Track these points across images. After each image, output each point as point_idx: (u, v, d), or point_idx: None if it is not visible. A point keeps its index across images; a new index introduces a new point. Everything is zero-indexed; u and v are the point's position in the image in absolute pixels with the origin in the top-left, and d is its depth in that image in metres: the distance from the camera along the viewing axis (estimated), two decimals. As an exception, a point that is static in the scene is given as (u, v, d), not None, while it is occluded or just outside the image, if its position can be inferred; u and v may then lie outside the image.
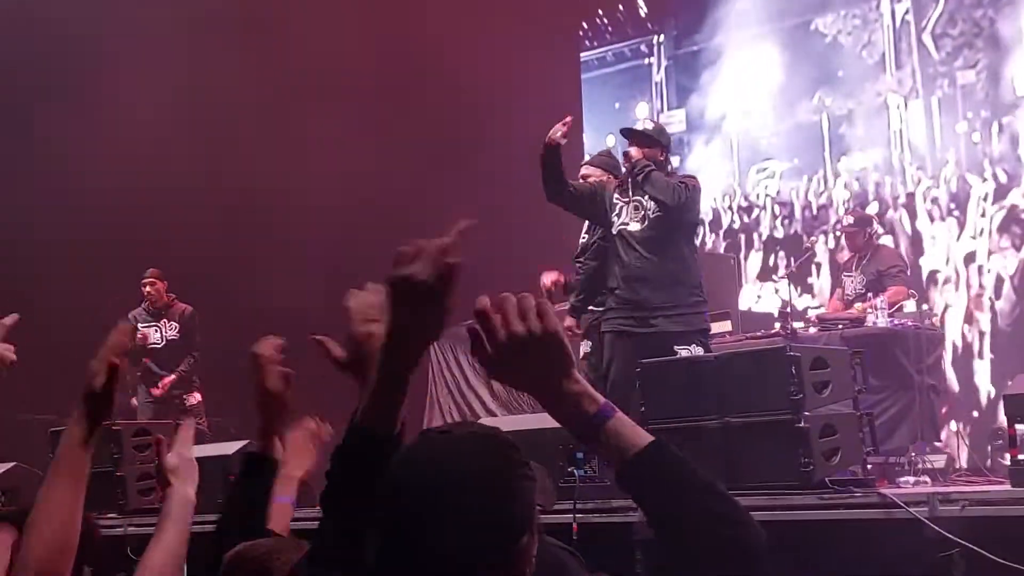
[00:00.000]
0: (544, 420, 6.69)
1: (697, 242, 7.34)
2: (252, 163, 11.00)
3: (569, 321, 7.13)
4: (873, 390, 7.13)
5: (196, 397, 10.05)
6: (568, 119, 6.76)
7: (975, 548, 4.64)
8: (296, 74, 11.52)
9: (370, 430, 1.81)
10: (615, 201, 6.92)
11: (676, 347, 6.56)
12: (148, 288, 10.03)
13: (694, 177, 7.17)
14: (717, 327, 8.26)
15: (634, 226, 6.83)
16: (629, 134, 7.04)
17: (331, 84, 11.20)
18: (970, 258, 10.71)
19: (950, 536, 4.71)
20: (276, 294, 9.94)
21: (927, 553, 4.78)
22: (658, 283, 6.73)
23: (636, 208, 6.86)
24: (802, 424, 5.36)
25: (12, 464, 7.92)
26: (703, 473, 1.73)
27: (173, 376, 9.98)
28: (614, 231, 6.91)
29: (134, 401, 10.04)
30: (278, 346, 2.71)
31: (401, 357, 1.79)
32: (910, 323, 7.97)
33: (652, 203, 6.78)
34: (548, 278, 7.57)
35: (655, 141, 6.96)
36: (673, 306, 6.71)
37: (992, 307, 10.49)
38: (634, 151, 6.89)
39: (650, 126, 7.23)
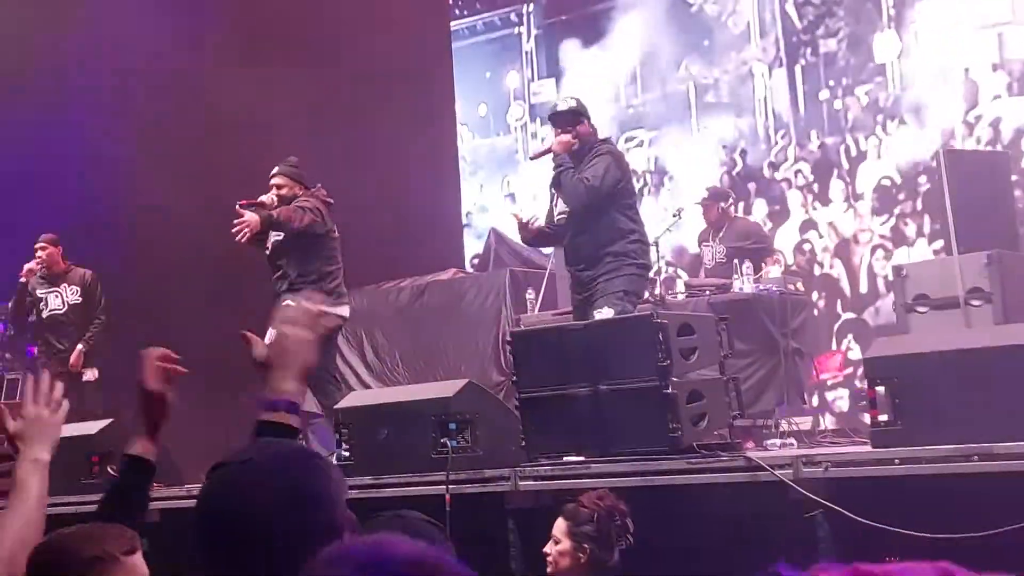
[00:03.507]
0: (417, 392, 6.72)
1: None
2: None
3: None
4: (740, 355, 7.25)
5: (93, 373, 9.24)
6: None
7: (837, 508, 4.75)
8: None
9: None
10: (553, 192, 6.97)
11: (594, 312, 6.54)
12: (40, 253, 9.27)
13: (607, 150, 6.83)
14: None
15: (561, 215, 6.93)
16: (552, 120, 6.94)
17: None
18: (833, 225, 10.94)
19: (813, 497, 4.81)
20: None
21: (792, 514, 4.87)
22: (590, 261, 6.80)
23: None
24: (669, 390, 5.41)
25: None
26: None
27: (82, 346, 9.22)
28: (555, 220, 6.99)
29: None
30: (164, 354, 2.66)
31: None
32: (775, 288, 8.11)
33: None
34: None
35: (578, 117, 6.84)
36: (594, 280, 6.76)
37: (854, 271, 10.74)
38: (555, 145, 6.83)
39: (572, 103, 6.95)
